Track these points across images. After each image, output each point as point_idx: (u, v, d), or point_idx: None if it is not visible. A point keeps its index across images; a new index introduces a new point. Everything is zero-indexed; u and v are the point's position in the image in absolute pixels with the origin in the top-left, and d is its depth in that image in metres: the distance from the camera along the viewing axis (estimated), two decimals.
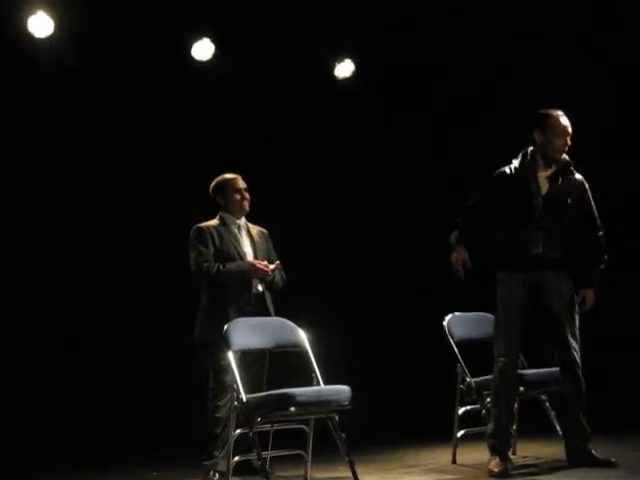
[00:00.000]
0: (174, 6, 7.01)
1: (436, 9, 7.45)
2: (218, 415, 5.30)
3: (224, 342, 4.94)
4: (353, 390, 4.72)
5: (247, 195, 5.66)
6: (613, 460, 4.96)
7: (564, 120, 5.12)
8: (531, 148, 5.19)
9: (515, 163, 5.20)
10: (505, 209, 5.15)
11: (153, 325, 7.19)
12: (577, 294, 5.13)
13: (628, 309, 7.19)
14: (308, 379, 4.99)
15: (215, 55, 7.38)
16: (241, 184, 5.66)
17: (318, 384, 4.94)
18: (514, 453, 5.55)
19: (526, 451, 5.74)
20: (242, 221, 5.68)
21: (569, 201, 5.12)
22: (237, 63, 7.46)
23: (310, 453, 4.98)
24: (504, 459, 5.03)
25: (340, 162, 7.91)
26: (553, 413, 5.48)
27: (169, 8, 7.00)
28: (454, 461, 5.59)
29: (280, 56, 7.49)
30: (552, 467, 5.16)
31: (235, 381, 4.78)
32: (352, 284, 8.03)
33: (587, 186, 5.21)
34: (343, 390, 4.71)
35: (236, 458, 4.85)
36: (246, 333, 5.04)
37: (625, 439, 5.94)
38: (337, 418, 4.75)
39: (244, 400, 4.70)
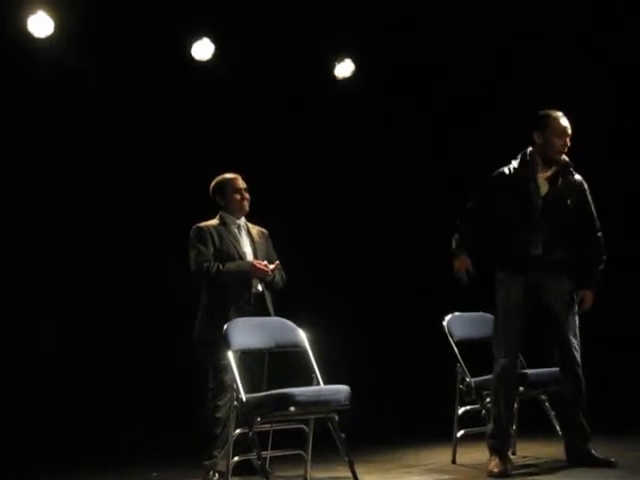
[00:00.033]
0: (174, 6, 7.01)
1: (436, 9, 7.45)
2: (218, 415, 5.30)
3: (224, 342, 4.94)
4: (353, 390, 4.72)
5: (247, 195, 5.66)
6: (613, 460, 4.96)
7: (564, 121, 5.11)
8: (530, 149, 5.18)
9: (514, 164, 5.19)
10: (504, 210, 5.14)
11: (153, 325, 7.19)
12: (576, 295, 5.14)
13: (628, 309, 7.19)
14: (308, 379, 4.99)
15: (215, 55, 7.37)
16: (241, 184, 5.66)
17: (318, 384, 4.93)
18: (514, 453, 5.55)
19: (526, 451, 5.74)
20: (242, 221, 5.68)
21: (568, 202, 5.12)
22: (237, 63, 7.46)
23: (310, 453, 4.97)
24: (504, 459, 5.03)
25: (340, 162, 7.91)
26: (553, 413, 5.48)
27: (169, 8, 7.00)
28: (454, 461, 5.59)
29: (280, 56, 7.49)
30: (552, 467, 5.16)
31: (235, 381, 4.78)
32: (352, 284, 8.03)
33: (586, 187, 5.20)
34: (343, 390, 4.70)
35: (236, 458, 4.84)
36: (246, 333, 5.04)
37: (625, 439, 5.93)
38: (337, 418, 4.74)
39: (244, 400, 4.69)
